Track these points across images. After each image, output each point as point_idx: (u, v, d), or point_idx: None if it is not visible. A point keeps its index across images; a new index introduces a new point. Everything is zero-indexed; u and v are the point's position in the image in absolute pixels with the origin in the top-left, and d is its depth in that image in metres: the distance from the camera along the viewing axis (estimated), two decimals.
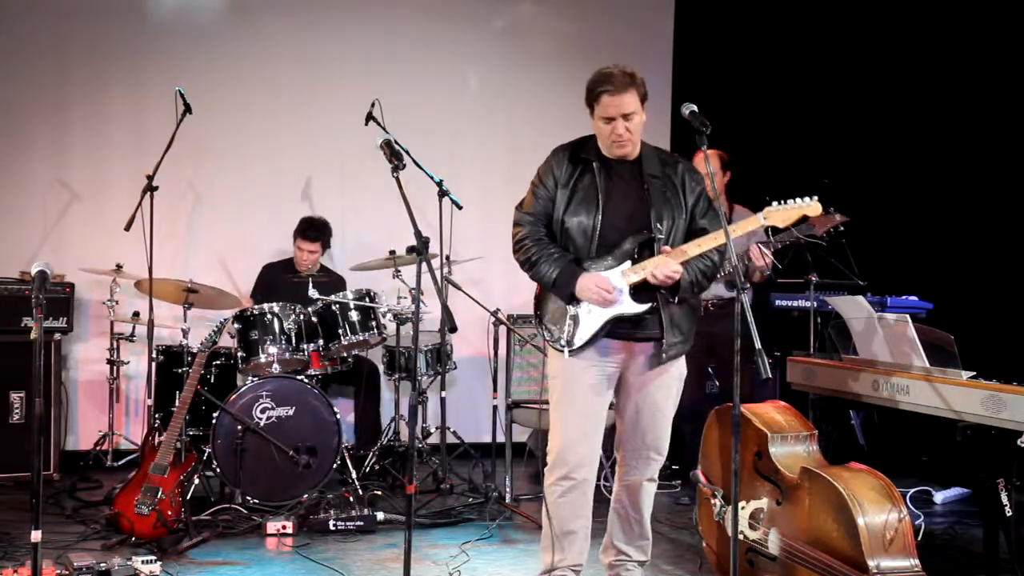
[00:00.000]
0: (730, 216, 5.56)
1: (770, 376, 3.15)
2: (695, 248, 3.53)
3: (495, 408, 5.74)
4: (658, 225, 3.57)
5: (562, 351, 3.66)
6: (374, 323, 5.67)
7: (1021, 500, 3.97)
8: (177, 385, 5.53)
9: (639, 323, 3.62)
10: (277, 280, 6.25)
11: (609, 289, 3.54)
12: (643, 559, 3.87)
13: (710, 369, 5.80)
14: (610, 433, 4.93)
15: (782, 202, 3.50)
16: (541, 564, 3.81)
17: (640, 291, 3.59)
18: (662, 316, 3.61)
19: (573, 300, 3.61)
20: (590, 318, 3.62)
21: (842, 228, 5.14)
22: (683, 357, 3.76)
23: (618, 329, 3.63)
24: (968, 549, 4.67)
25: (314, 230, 6.23)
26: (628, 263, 3.59)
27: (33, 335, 3.21)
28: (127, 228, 5.48)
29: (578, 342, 3.63)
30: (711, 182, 3.49)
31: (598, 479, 5.53)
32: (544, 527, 3.78)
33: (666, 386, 3.73)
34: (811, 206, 3.48)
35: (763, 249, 5.13)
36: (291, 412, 5.29)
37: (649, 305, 3.59)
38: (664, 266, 3.49)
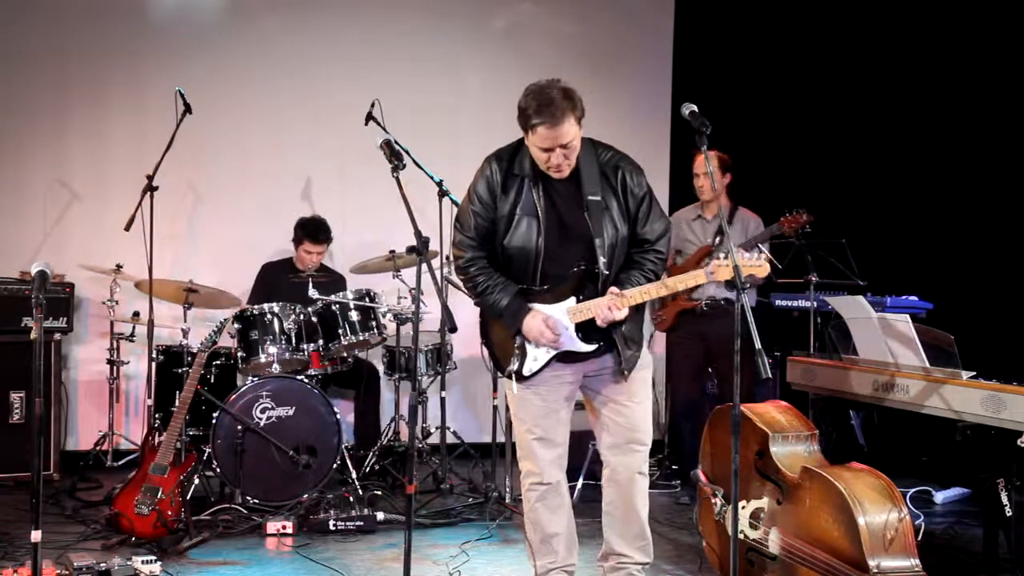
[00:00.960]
0: (731, 218, 5.58)
1: (770, 376, 3.15)
2: (640, 296, 3.46)
3: (495, 408, 5.74)
4: (603, 259, 3.47)
5: (511, 380, 3.63)
6: (374, 323, 5.67)
7: (1021, 500, 3.96)
8: (177, 385, 5.53)
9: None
10: (277, 280, 6.25)
11: (555, 329, 3.49)
12: (646, 560, 3.76)
13: (710, 369, 5.81)
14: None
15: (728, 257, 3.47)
16: (534, 572, 3.78)
17: (588, 329, 3.53)
18: (614, 338, 3.56)
19: (519, 335, 3.56)
20: (538, 351, 3.58)
21: (808, 229, 5.20)
22: (644, 352, 3.72)
23: (567, 356, 3.59)
24: (968, 549, 4.67)
25: (324, 232, 6.21)
26: (573, 300, 3.52)
27: (33, 335, 3.21)
28: (127, 228, 5.48)
29: (526, 372, 3.59)
30: (711, 183, 3.49)
31: (598, 479, 5.58)
32: (528, 535, 3.76)
33: (631, 382, 3.66)
34: (760, 266, 3.45)
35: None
36: (291, 412, 5.28)
37: (597, 345, 3.55)
38: (609, 315, 3.43)
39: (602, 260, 3.47)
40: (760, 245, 5.21)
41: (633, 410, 3.67)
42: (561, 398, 3.66)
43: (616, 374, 3.62)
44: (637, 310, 3.60)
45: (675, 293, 5.55)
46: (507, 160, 3.57)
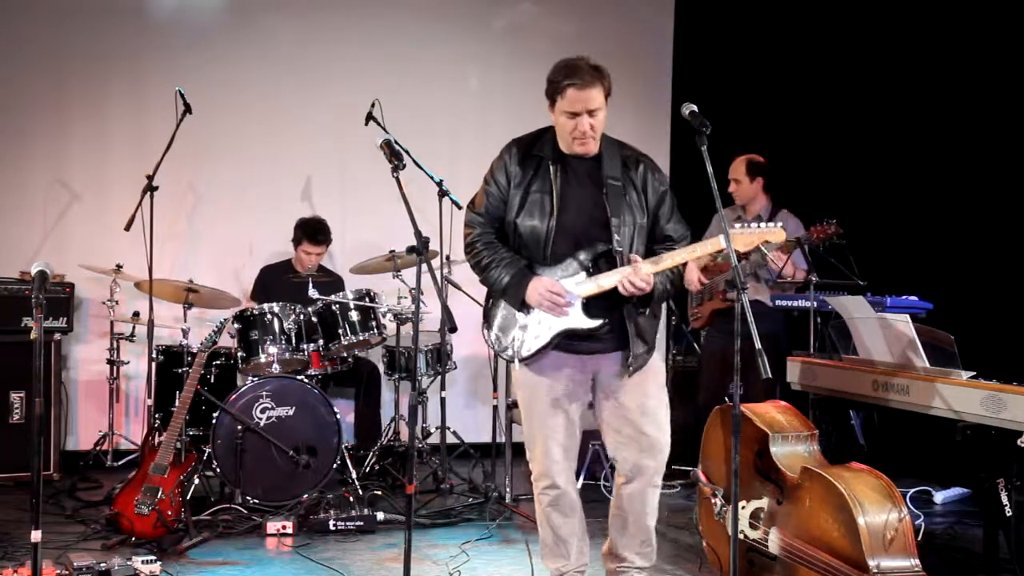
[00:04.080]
0: (771, 219, 5.63)
1: (770, 376, 3.14)
2: (669, 260, 3.40)
3: (495, 408, 5.74)
4: (617, 237, 3.43)
5: (512, 362, 3.56)
6: (374, 323, 5.68)
7: (1021, 500, 3.97)
8: (177, 385, 5.53)
9: (596, 337, 3.50)
10: (276, 281, 6.25)
11: (561, 293, 3.42)
12: (646, 565, 3.74)
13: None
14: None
15: (746, 225, 3.44)
16: (549, 572, 3.77)
17: (593, 306, 3.46)
18: (627, 327, 3.49)
19: (524, 307, 3.49)
20: (540, 328, 3.49)
21: (836, 240, 5.22)
22: (656, 358, 3.65)
23: (573, 344, 3.51)
24: (968, 549, 4.67)
25: (323, 233, 6.23)
26: (583, 275, 3.46)
27: (33, 335, 3.21)
28: (127, 228, 5.48)
29: (526, 352, 3.50)
30: (713, 184, 3.45)
31: (598, 479, 5.60)
32: (541, 535, 3.75)
33: (642, 386, 3.58)
34: (774, 232, 3.41)
35: (780, 255, 5.23)
36: (291, 412, 5.28)
37: (601, 322, 3.46)
38: (635, 276, 3.36)
39: (616, 238, 3.43)
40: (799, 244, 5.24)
41: (645, 418, 3.58)
42: (568, 395, 3.59)
43: (620, 369, 3.54)
44: (653, 313, 3.55)
45: (712, 291, 5.64)
46: (527, 144, 3.58)
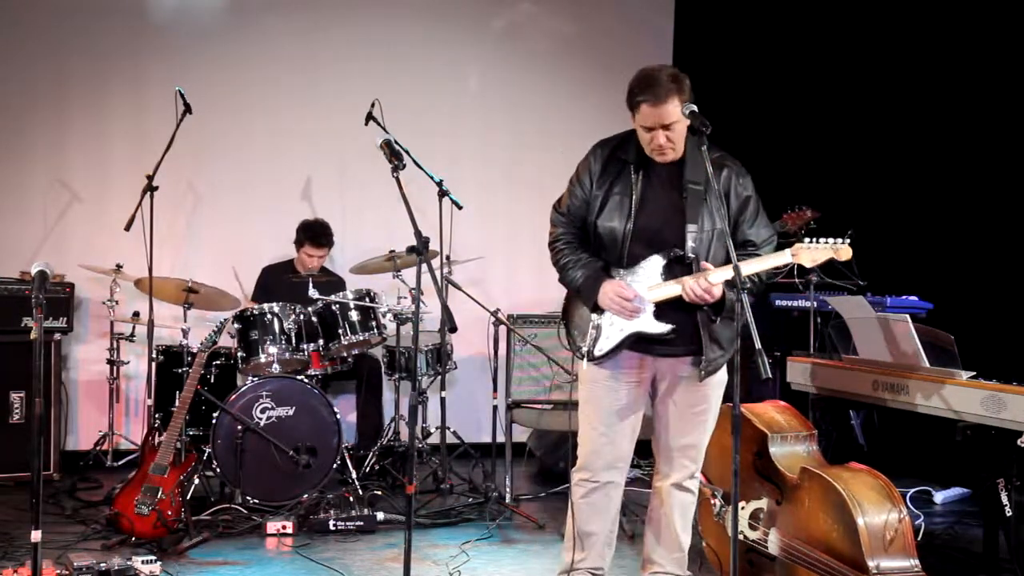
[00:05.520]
0: None
1: (770, 376, 3.14)
2: (725, 273, 3.33)
3: (495, 408, 5.74)
4: (691, 244, 3.43)
5: (582, 360, 3.59)
6: (374, 323, 5.68)
7: (1021, 500, 3.97)
8: (177, 385, 5.52)
9: (667, 342, 3.50)
10: (277, 281, 6.25)
11: (629, 298, 3.43)
12: (679, 573, 3.73)
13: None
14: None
15: (813, 241, 3.36)
16: (561, 563, 3.76)
17: (664, 311, 3.46)
18: (700, 333, 3.48)
19: (597, 309, 3.52)
20: (611, 330, 3.52)
21: (813, 225, 5.16)
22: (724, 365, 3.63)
23: (646, 345, 3.52)
24: (968, 549, 4.67)
25: (326, 236, 6.23)
26: (657, 279, 3.47)
27: (33, 335, 3.21)
28: (127, 228, 5.47)
29: (598, 353, 3.54)
30: (713, 184, 3.44)
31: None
32: (568, 527, 3.73)
33: (704, 394, 3.58)
34: (841, 249, 3.34)
35: None
36: (291, 412, 5.28)
37: (670, 327, 3.46)
38: (698, 284, 3.33)
39: (690, 244, 3.43)
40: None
41: (695, 423, 3.60)
42: (630, 402, 3.59)
43: (692, 378, 3.54)
44: (728, 318, 3.50)
45: None
46: (612, 146, 3.59)
